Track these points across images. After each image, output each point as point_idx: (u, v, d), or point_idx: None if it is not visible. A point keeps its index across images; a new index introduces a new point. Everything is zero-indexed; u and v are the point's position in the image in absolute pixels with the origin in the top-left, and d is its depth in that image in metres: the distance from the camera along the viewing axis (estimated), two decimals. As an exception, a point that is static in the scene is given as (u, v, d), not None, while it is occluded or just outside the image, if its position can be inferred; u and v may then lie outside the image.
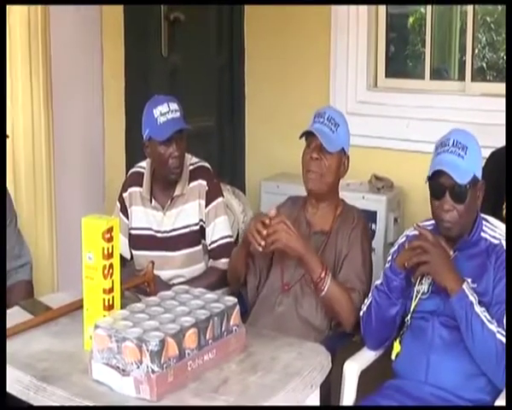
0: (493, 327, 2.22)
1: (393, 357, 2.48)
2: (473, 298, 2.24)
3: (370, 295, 2.53)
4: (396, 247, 2.57)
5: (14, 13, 3.13)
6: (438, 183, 2.33)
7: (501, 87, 4.14)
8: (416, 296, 2.43)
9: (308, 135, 2.72)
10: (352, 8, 4.34)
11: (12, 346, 2.19)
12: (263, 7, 4.58)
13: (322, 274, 2.57)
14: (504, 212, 2.94)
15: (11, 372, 2.06)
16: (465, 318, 2.23)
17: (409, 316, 2.45)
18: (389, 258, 2.52)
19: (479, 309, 2.23)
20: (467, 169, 2.31)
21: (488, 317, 2.23)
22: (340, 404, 2.46)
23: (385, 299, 2.45)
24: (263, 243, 2.54)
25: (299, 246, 2.58)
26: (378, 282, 2.50)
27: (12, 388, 2.05)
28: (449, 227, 2.36)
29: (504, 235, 2.41)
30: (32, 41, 3.20)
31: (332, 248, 2.73)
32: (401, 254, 2.43)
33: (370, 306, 2.50)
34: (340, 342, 2.64)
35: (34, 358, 2.12)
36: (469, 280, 2.33)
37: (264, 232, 2.53)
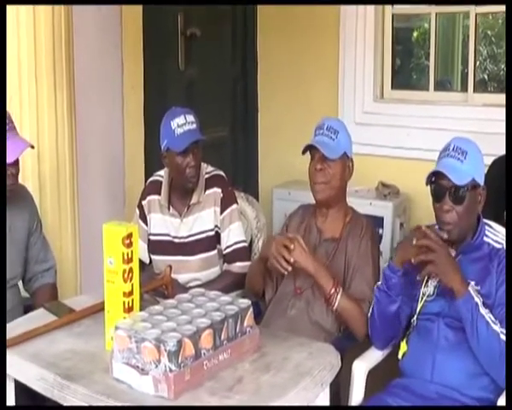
0: (497, 328, 2.20)
1: (400, 357, 2.46)
2: (478, 300, 2.22)
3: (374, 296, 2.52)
4: None
5: (39, 28, 3.14)
6: (438, 185, 2.34)
7: (502, 98, 4.12)
8: (422, 298, 2.42)
9: (311, 148, 2.72)
10: (360, 23, 4.33)
11: (37, 346, 2.20)
12: (275, 24, 4.61)
13: (333, 290, 2.57)
14: (505, 217, 2.93)
15: (36, 370, 2.07)
16: (471, 319, 2.22)
17: (415, 317, 2.44)
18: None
19: (483, 310, 2.21)
20: (465, 172, 2.31)
21: (492, 318, 2.21)
22: (349, 402, 2.44)
23: (385, 297, 2.44)
24: (290, 268, 2.56)
25: (311, 265, 2.59)
26: (379, 283, 2.50)
27: (37, 385, 2.06)
28: (448, 228, 2.35)
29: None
30: (57, 55, 3.21)
31: (342, 255, 2.72)
32: (402, 252, 2.41)
33: (374, 305, 2.50)
34: (349, 343, 2.63)
35: (58, 357, 2.12)
36: (473, 283, 2.31)
37: (292, 260, 2.55)
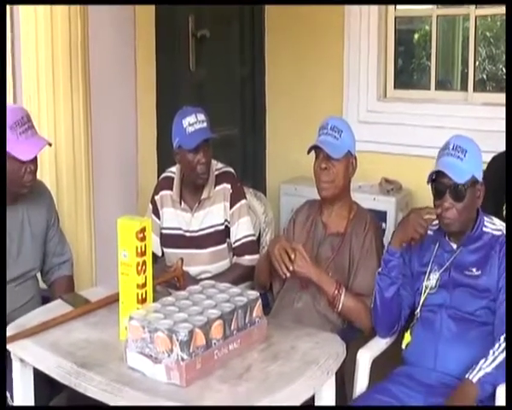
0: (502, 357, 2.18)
1: (404, 347, 2.46)
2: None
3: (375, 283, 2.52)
4: None
5: (56, 32, 3.14)
6: (438, 183, 2.33)
7: (501, 97, 4.11)
8: (425, 291, 2.42)
9: (315, 148, 2.71)
10: (364, 25, 4.31)
11: (55, 335, 2.21)
12: (281, 26, 4.59)
13: (336, 292, 2.57)
14: (504, 212, 2.92)
15: (54, 359, 2.08)
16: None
17: (418, 309, 2.44)
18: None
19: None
20: (465, 170, 2.30)
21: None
22: (354, 389, 2.44)
23: (385, 280, 2.44)
24: (288, 274, 2.55)
25: (312, 273, 2.58)
26: (379, 269, 2.49)
27: (55, 373, 2.06)
28: (448, 223, 2.35)
29: (505, 227, 2.39)
30: (73, 58, 3.21)
31: (347, 249, 2.70)
32: (401, 234, 2.42)
33: (375, 292, 2.49)
34: (354, 334, 2.62)
35: (75, 346, 2.13)
36: (474, 269, 2.33)
37: (291, 268, 2.53)
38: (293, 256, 2.54)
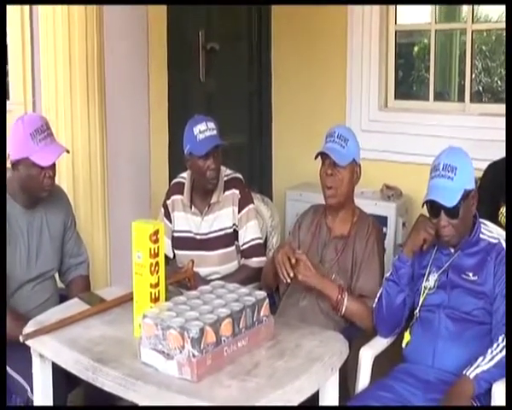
0: (501, 355, 2.18)
1: (404, 345, 2.46)
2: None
3: (381, 288, 2.51)
4: None
5: (74, 46, 3.16)
6: (432, 206, 2.31)
7: (496, 107, 4.13)
8: (424, 292, 2.42)
9: (322, 154, 2.70)
10: (366, 38, 4.32)
11: (72, 332, 2.21)
12: (289, 39, 4.60)
13: (339, 297, 2.57)
14: (500, 217, 2.92)
15: (72, 354, 2.08)
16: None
17: (417, 309, 2.43)
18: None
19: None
20: (457, 189, 2.26)
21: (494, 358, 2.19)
22: (357, 385, 2.44)
23: (394, 287, 2.44)
24: (289, 280, 2.55)
25: (316, 281, 2.58)
26: (387, 274, 2.49)
27: (73, 368, 2.07)
28: (447, 240, 2.35)
29: (502, 235, 2.38)
30: (89, 70, 3.22)
31: (350, 252, 2.70)
32: (412, 242, 2.40)
33: (381, 296, 2.49)
34: (357, 332, 2.61)
35: (91, 342, 2.14)
36: (470, 273, 2.33)
37: (291, 274, 2.53)
38: (293, 261, 2.53)
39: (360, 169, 2.76)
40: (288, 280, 2.55)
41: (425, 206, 2.35)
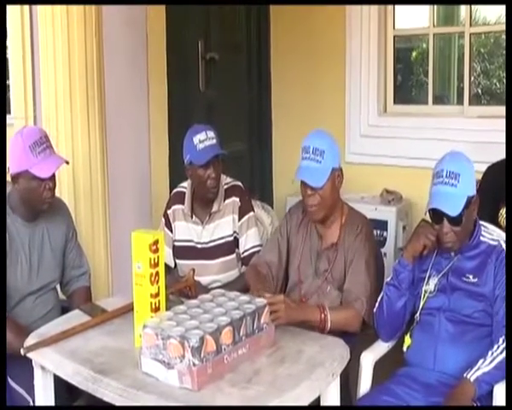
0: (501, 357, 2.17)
1: (405, 349, 2.45)
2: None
3: (382, 292, 2.49)
4: None
5: (74, 57, 3.17)
6: (436, 213, 2.29)
7: (495, 110, 4.13)
8: (424, 295, 2.41)
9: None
10: (364, 43, 4.34)
11: (73, 343, 2.21)
12: (287, 48, 4.62)
13: (322, 316, 2.45)
14: (500, 219, 2.91)
15: (72, 366, 2.07)
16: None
17: (418, 313, 2.42)
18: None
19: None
20: (460, 196, 2.24)
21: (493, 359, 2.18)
22: (358, 390, 2.43)
23: (394, 291, 2.42)
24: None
25: (298, 315, 2.40)
26: (388, 279, 2.48)
27: (73, 379, 2.06)
28: (449, 247, 2.33)
29: (502, 237, 2.37)
30: (89, 82, 3.23)
31: (341, 259, 2.63)
32: (413, 247, 2.39)
33: (382, 301, 2.47)
34: (357, 337, 2.60)
35: (92, 353, 2.13)
36: (471, 276, 2.32)
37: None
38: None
39: (342, 173, 2.64)
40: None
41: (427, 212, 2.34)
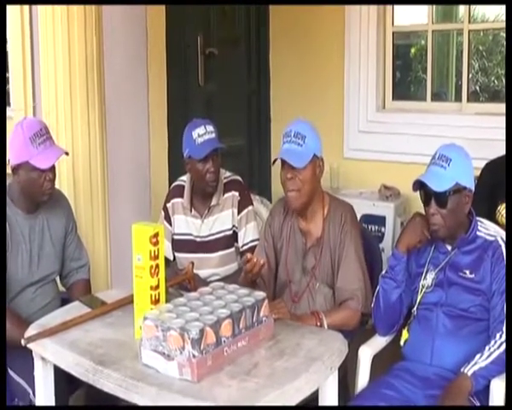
0: (501, 350, 2.18)
1: (402, 343, 2.45)
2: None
3: (378, 286, 2.50)
4: None
5: (74, 50, 3.18)
6: (423, 191, 2.33)
7: (493, 107, 4.14)
8: (422, 290, 2.42)
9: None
10: (363, 40, 4.34)
11: (73, 335, 2.21)
12: (287, 43, 4.61)
13: (318, 324, 2.44)
14: (497, 216, 2.91)
15: (73, 357, 2.08)
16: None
17: (415, 307, 2.43)
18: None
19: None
20: (448, 178, 2.27)
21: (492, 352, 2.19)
22: (356, 383, 2.44)
23: (389, 283, 2.43)
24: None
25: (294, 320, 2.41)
26: (383, 272, 2.49)
27: (74, 370, 2.07)
28: (435, 230, 2.33)
29: (499, 233, 2.37)
30: (89, 75, 3.24)
31: (327, 252, 2.60)
32: (407, 238, 2.41)
33: (378, 294, 2.48)
34: (355, 332, 2.61)
35: (92, 345, 2.13)
36: (467, 271, 2.32)
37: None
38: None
39: (323, 162, 2.59)
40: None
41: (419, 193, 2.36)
